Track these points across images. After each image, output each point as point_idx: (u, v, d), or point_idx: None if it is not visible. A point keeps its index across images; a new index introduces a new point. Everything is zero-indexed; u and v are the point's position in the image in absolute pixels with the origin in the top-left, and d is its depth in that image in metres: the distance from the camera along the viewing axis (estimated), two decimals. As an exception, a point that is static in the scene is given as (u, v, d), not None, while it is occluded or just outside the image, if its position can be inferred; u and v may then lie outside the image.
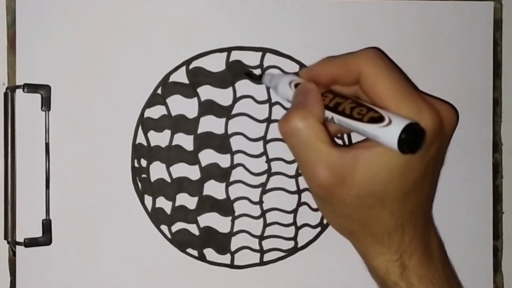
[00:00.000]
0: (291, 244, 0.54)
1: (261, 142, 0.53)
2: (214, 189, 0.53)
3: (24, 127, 0.52)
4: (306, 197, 0.54)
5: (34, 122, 0.52)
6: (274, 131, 0.53)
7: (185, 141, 0.53)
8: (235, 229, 0.54)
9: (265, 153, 0.53)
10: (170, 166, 0.53)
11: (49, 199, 0.52)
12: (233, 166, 0.53)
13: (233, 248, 0.54)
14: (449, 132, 0.46)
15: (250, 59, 0.53)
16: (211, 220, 0.53)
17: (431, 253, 0.47)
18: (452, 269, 0.51)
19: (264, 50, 0.53)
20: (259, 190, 0.54)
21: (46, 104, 0.51)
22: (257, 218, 0.54)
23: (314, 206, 0.54)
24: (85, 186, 0.52)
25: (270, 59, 0.53)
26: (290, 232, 0.54)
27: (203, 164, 0.53)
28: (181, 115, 0.53)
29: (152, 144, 0.53)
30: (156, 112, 0.53)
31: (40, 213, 0.52)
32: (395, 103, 0.43)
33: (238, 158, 0.53)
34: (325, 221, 0.54)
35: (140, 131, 0.53)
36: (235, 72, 0.53)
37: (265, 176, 0.53)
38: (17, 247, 0.52)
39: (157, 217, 0.53)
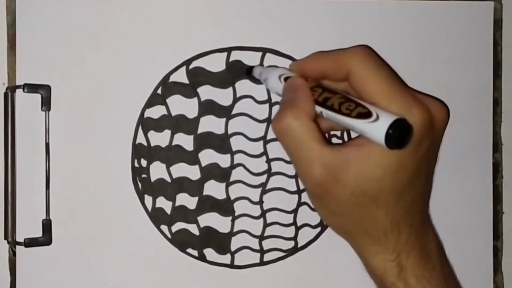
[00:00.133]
0: (291, 244, 0.54)
1: (261, 142, 0.53)
2: (214, 189, 0.53)
3: (24, 127, 0.52)
4: (306, 197, 0.54)
5: (34, 122, 0.51)
6: (274, 131, 0.53)
7: (185, 141, 0.53)
8: (235, 229, 0.54)
9: (265, 153, 0.53)
10: (170, 166, 0.53)
11: (49, 199, 0.52)
12: (233, 166, 0.53)
13: (233, 248, 0.54)
14: (440, 129, 0.46)
15: (250, 59, 0.53)
16: (211, 220, 0.53)
17: (429, 253, 0.47)
18: (451, 269, 0.51)
19: (264, 50, 0.53)
20: (259, 190, 0.54)
21: (46, 104, 0.51)
22: (257, 218, 0.54)
23: (311, 204, 0.54)
24: (85, 186, 0.52)
25: (270, 59, 0.53)
26: (290, 232, 0.54)
27: (203, 164, 0.53)
28: (181, 115, 0.53)
29: (152, 144, 0.53)
30: (156, 112, 0.53)
31: (40, 213, 0.52)
32: (385, 100, 0.43)
33: (238, 158, 0.53)
34: (324, 221, 0.54)
35: (140, 131, 0.53)
36: (235, 72, 0.53)
37: (265, 176, 0.53)
38: (17, 247, 0.52)
39: (157, 217, 0.53)
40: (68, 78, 0.52)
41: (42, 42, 0.51)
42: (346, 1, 0.53)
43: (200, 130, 0.53)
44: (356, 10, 0.53)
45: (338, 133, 0.53)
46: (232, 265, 0.54)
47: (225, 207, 0.53)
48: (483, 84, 0.55)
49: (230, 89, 0.53)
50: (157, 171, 0.53)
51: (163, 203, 0.53)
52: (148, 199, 0.53)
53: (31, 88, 0.51)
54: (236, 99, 0.53)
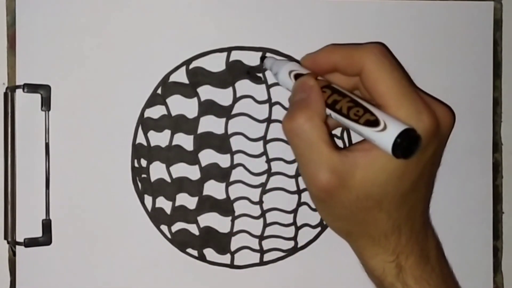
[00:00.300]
0: (291, 244, 0.54)
1: (261, 142, 0.53)
2: (214, 189, 0.53)
3: (24, 127, 0.52)
4: (306, 197, 0.54)
5: (34, 122, 0.52)
6: (274, 131, 0.53)
7: (185, 141, 0.53)
8: (235, 229, 0.54)
9: (265, 153, 0.53)
10: (170, 166, 0.53)
11: (49, 199, 0.52)
12: (233, 166, 0.53)
13: (233, 248, 0.54)
14: (446, 135, 0.46)
15: (250, 59, 0.53)
16: (211, 220, 0.53)
17: (428, 254, 0.47)
18: (450, 270, 0.51)
19: (264, 50, 0.53)
20: (259, 190, 0.54)
21: (46, 104, 0.51)
22: (257, 218, 0.54)
23: (314, 206, 0.54)
24: (85, 186, 0.52)
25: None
26: (290, 232, 0.54)
27: (203, 164, 0.53)
28: (181, 115, 0.53)
29: (152, 144, 0.53)
30: (156, 112, 0.53)
31: (40, 213, 0.52)
32: (395, 103, 0.43)
33: (238, 158, 0.53)
34: (324, 223, 0.54)
35: (140, 131, 0.53)
36: (235, 72, 0.53)
37: (265, 176, 0.53)
38: (17, 247, 0.52)
39: (157, 217, 0.53)
40: (68, 78, 0.52)
41: (42, 42, 0.51)
42: (346, 1, 0.53)
43: (200, 130, 0.53)
44: (356, 10, 0.53)
45: (338, 133, 0.53)
46: (232, 265, 0.54)
47: (225, 207, 0.53)
48: (483, 84, 0.55)
49: (230, 89, 0.53)
50: (157, 171, 0.53)
51: (163, 203, 0.53)
52: (148, 199, 0.53)
53: (31, 88, 0.51)
54: (236, 99, 0.53)
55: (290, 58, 0.53)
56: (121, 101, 0.52)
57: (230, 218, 0.54)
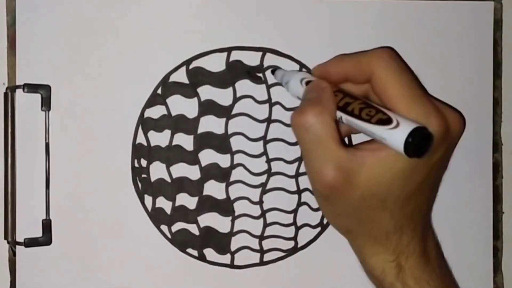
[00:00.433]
0: (291, 244, 0.54)
1: (261, 142, 0.53)
2: (214, 189, 0.53)
3: (24, 127, 0.52)
4: (306, 197, 0.54)
5: (34, 122, 0.51)
6: (274, 131, 0.53)
7: (185, 141, 0.53)
8: (235, 229, 0.54)
9: (265, 153, 0.53)
10: (170, 166, 0.53)
11: (49, 199, 0.52)
12: (233, 166, 0.53)
13: (233, 248, 0.54)
14: (455, 139, 0.46)
15: (250, 59, 0.53)
16: (211, 220, 0.53)
17: (429, 255, 0.47)
18: (449, 270, 0.51)
19: (264, 50, 0.53)
20: (259, 190, 0.54)
21: (46, 104, 0.51)
22: (257, 218, 0.54)
23: (314, 206, 0.54)
24: (85, 186, 0.52)
25: (270, 59, 0.53)
26: (290, 232, 0.54)
27: (203, 164, 0.53)
28: (181, 115, 0.53)
29: (152, 144, 0.53)
30: (156, 112, 0.53)
31: (40, 213, 0.52)
32: (405, 106, 0.43)
33: (238, 158, 0.53)
34: (325, 221, 0.54)
35: (140, 131, 0.53)
36: (235, 72, 0.53)
37: (265, 176, 0.53)
38: (17, 247, 0.52)
39: (157, 217, 0.53)
40: (68, 78, 0.52)
41: (42, 42, 0.51)
42: (346, 1, 0.53)
43: (200, 130, 0.53)
44: (356, 10, 0.53)
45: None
46: (232, 265, 0.54)
47: (225, 207, 0.53)
48: (483, 84, 0.55)
49: (230, 89, 0.53)
50: (157, 171, 0.53)
51: (163, 203, 0.53)
52: (148, 199, 0.53)
53: (31, 88, 0.51)
54: (236, 99, 0.53)
55: (290, 58, 0.53)
56: (121, 101, 0.52)
57: (230, 218, 0.54)
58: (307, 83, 0.47)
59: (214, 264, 0.54)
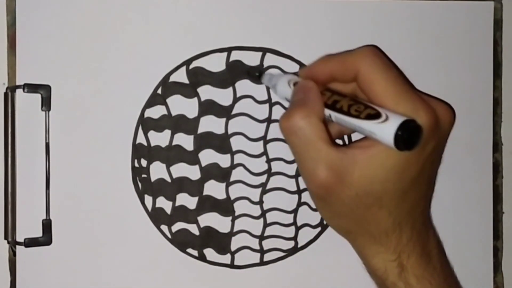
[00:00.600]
0: (291, 244, 0.54)
1: (261, 142, 0.53)
2: (214, 189, 0.53)
3: (24, 127, 0.52)
4: (306, 197, 0.54)
5: (34, 122, 0.51)
6: (274, 131, 0.53)
7: (185, 141, 0.53)
8: (235, 229, 0.54)
9: (265, 153, 0.53)
10: (170, 166, 0.53)
11: (49, 199, 0.52)
12: (233, 166, 0.53)
13: (233, 248, 0.54)
14: (446, 131, 0.46)
15: (250, 59, 0.53)
16: (211, 220, 0.53)
17: (430, 253, 0.47)
18: (451, 269, 0.51)
19: (264, 50, 0.53)
20: (259, 190, 0.54)
21: (46, 104, 0.51)
22: (257, 218, 0.54)
23: (314, 206, 0.54)
24: (85, 186, 0.52)
25: (270, 59, 0.53)
26: (290, 232, 0.54)
27: (203, 164, 0.53)
28: (181, 115, 0.53)
29: (152, 144, 0.53)
30: (156, 112, 0.53)
31: (40, 213, 0.52)
32: (392, 102, 0.43)
33: (238, 158, 0.53)
34: (325, 221, 0.54)
35: (140, 131, 0.53)
36: (235, 72, 0.53)
37: (265, 176, 0.53)
38: (17, 247, 0.52)
39: (157, 217, 0.53)
40: (68, 78, 0.52)
41: (42, 42, 0.51)
42: (346, 1, 0.53)
43: (200, 130, 0.53)
44: (356, 10, 0.53)
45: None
46: (232, 265, 0.54)
47: (225, 207, 0.53)
48: (483, 84, 0.55)
49: (230, 89, 0.53)
50: (157, 171, 0.53)
51: (163, 203, 0.53)
52: (148, 199, 0.53)
53: (31, 88, 0.51)
54: (236, 99, 0.53)
55: (290, 58, 0.53)
56: (121, 101, 0.52)
57: (230, 218, 0.54)
58: (295, 84, 0.47)
59: (214, 264, 0.54)
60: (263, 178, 0.54)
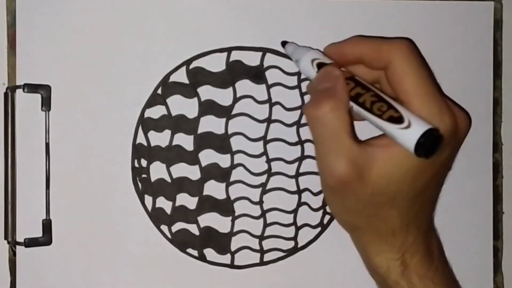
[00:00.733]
0: (291, 244, 0.54)
1: (261, 142, 0.53)
2: (214, 189, 0.53)
3: (24, 127, 0.52)
4: (306, 197, 0.54)
5: (34, 122, 0.51)
6: (274, 131, 0.53)
7: (185, 141, 0.53)
8: (235, 229, 0.54)
9: (265, 153, 0.53)
10: (170, 166, 0.53)
11: (49, 199, 0.52)
12: (233, 166, 0.53)
13: (233, 248, 0.54)
14: (462, 138, 0.46)
15: (250, 59, 0.53)
16: (211, 220, 0.53)
17: (432, 253, 0.47)
18: (450, 268, 0.51)
19: (264, 50, 0.53)
20: (259, 190, 0.54)
21: (46, 104, 0.51)
22: (257, 218, 0.54)
23: (314, 206, 0.54)
24: (85, 186, 0.52)
25: (270, 59, 0.53)
26: (290, 232, 0.54)
27: (203, 164, 0.53)
28: (181, 115, 0.53)
29: (152, 144, 0.53)
30: (156, 112, 0.53)
31: (40, 213, 0.52)
32: (419, 101, 0.43)
33: (238, 158, 0.53)
34: (325, 221, 0.54)
35: (140, 131, 0.53)
36: (235, 72, 0.53)
37: (265, 176, 0.53)
38: (17, 247, 0.52)
39: (157, 217, 0.53)
40: (68, 78, 0.52)
41: (42, 42, 0.51)
42: (346, 1, 0.53)
43: (200, 130, 0.53)
44: (356, 10, 0.53)
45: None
46: (232, 265, 0.54)
47: (225, 207, 0.53)
48: (483, 84, 0.55)
49: (230, 89, 0.53)
50: (157, 171, 0.53)
51: (163, 203, 0.53)
52: (148, 199, 0.53)
53: (31, 88, 0.51)
54: (236, 99, 0.53)
55: (290, 58, 0.53)
56: (121, 101, 0.52)
57: (230, 218, 0.54)
58: (318, 65, 0.46)
59: (214, 264, 0.54)
60: (263, 178, 0.54)
